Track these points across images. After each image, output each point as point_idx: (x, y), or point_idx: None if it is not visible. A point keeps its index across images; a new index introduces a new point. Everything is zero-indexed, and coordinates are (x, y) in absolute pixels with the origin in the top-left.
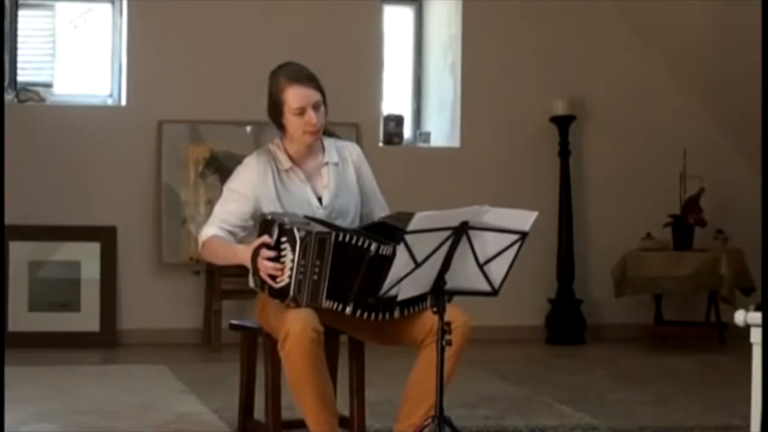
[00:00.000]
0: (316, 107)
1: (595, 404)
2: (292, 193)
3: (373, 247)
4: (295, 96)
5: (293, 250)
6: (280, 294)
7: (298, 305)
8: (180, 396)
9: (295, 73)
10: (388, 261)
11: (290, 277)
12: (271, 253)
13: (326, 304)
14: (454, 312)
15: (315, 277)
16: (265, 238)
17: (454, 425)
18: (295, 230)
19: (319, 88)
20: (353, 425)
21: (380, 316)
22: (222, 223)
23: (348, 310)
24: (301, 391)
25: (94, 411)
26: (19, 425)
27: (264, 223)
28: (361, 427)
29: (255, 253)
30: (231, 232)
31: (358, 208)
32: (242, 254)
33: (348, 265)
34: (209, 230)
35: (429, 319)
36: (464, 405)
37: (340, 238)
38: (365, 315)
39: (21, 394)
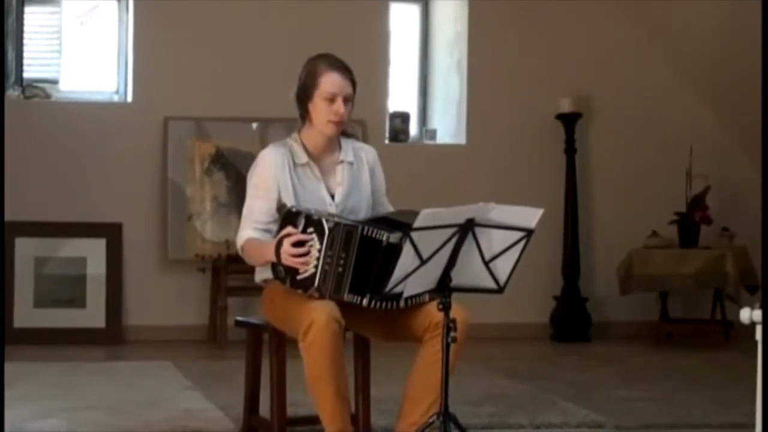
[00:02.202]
0: (346, 100)
1: (601, 402)
2: (306, 187)
3: (385, 237)
4: (330, 81)
5: (320, 240)
6: (304, 284)
7: (321, 296)
8: (185, 392)
9: (335, 62)
10: (396, 249)
11: (316, 267)
12: (299, 242)
13: (348, 297)
14: (453, 308)
15: (340, 269)
16: (290, 229)
17: (459, 422)
18: (324, 221)
19: (354, 84)
20: (359, 422)
21: (389, 305)
22: (254, 224)
23: (365, 302)
24: (319, 383)
25: (100, 407)
26: (25, 422)
27: (289, 214)
28: (367, 424)
29: (279, 242)
30: (266, 230)
31: (370, 209)
32: (269, 246)
33: (369, 259)
34: (244, 234)
35: (428, 315)
36: (469, 402)
37: (366, 232)
38: (377, 305)
39: (26, 390)
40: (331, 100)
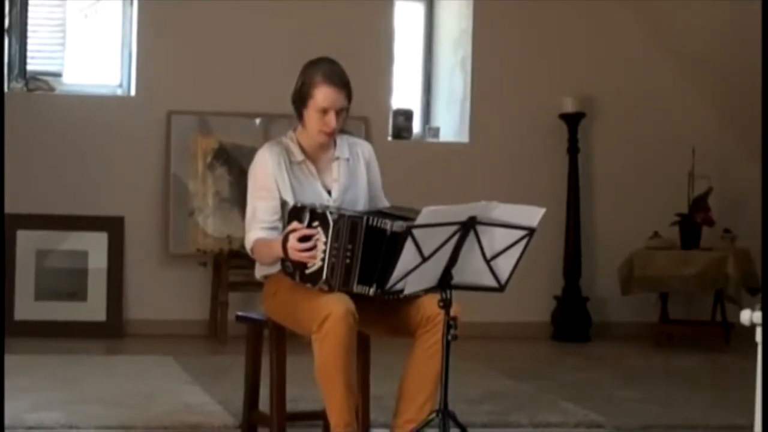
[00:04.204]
0: (339, 112)
1: (600, 402)
2: (303, 185)
3: (389, 226)
4: (324, 96)
5: (326, 233)
6: (312, 278)
7: (330, 289)
8: (185, 387)
9: (332, 74)
10: (399, 239)
11: (323, 260)
12: (305, 237)
13: (357, 288)
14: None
15: (347, 261)
16: (295, 225)
17: (458, 420)
18: (328, 214)
19: (349, 96)
20: (358, 419)
21: (392, 295)
22: (260, 224)
23: (371, 291)
24: (330, 375)
25: (99, 400)
26: (25, 414)
27: (294, 210)
28: (366, 421)
29: (285, 238)
30: (273, 228)
31: (367, 204)
32: (276, 243)
33: (375, 250)
34: (251, 236)
35: (420, 310)
36: (468, 400)
37: (371, 222)
38: (383, 295)
39: (27, 383)
40: (324, 113)
